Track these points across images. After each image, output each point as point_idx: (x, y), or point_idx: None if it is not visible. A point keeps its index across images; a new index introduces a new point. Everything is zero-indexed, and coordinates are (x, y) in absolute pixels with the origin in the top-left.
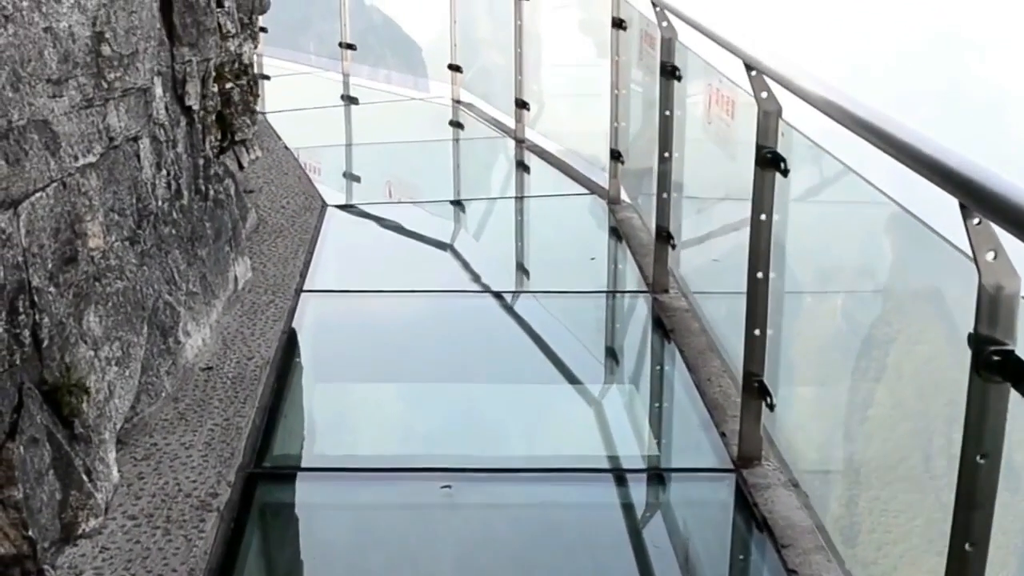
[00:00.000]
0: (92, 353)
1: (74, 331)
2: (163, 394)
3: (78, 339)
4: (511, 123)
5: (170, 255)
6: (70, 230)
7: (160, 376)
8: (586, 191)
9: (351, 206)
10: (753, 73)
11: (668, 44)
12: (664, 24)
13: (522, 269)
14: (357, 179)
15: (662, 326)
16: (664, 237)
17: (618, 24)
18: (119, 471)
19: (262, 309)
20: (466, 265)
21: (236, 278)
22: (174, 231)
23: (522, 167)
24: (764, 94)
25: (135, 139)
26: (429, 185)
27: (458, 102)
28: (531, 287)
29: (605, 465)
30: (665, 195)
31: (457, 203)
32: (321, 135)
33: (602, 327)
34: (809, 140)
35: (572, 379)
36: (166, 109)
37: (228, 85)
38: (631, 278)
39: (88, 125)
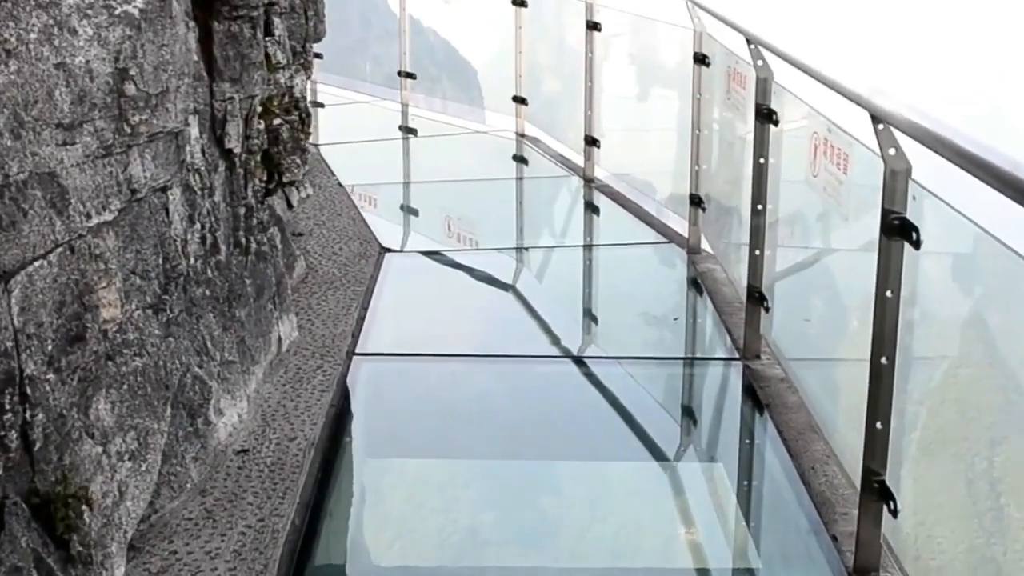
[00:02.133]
0: (100, 449)
1: (78, 424)
2: (188, 486)
3: (82, 434)
4: (578, 159)
5: (202, 320)
6: (77, 302)
7: (186, 464)
8: (663, 239)
9: (410, 252)
10: (881, 126)
11: (763, 85)
12: (759, 63)
13: (595, 330)
14: (416, 221)
15: (755, 399)
16: (756, 298)
17: (700, 60)
18: None
19: (308, 376)
20: (534, 324)
21: (280, 339)
22: (208, 292)
23: (592, 209)
24: (892, 150)
25: (163, 190)
26: (493, 228)
27: (522, 135)
28: (606, 351)
29: None
30: (758, 252)
31: (523, 250)
32: (378, 170)
33: (687, 400)
34: (948, 205)
35: (654, 462)
36: (203, 152)
37: (276, 121)
38: (717, 342)
39: (105, 177)
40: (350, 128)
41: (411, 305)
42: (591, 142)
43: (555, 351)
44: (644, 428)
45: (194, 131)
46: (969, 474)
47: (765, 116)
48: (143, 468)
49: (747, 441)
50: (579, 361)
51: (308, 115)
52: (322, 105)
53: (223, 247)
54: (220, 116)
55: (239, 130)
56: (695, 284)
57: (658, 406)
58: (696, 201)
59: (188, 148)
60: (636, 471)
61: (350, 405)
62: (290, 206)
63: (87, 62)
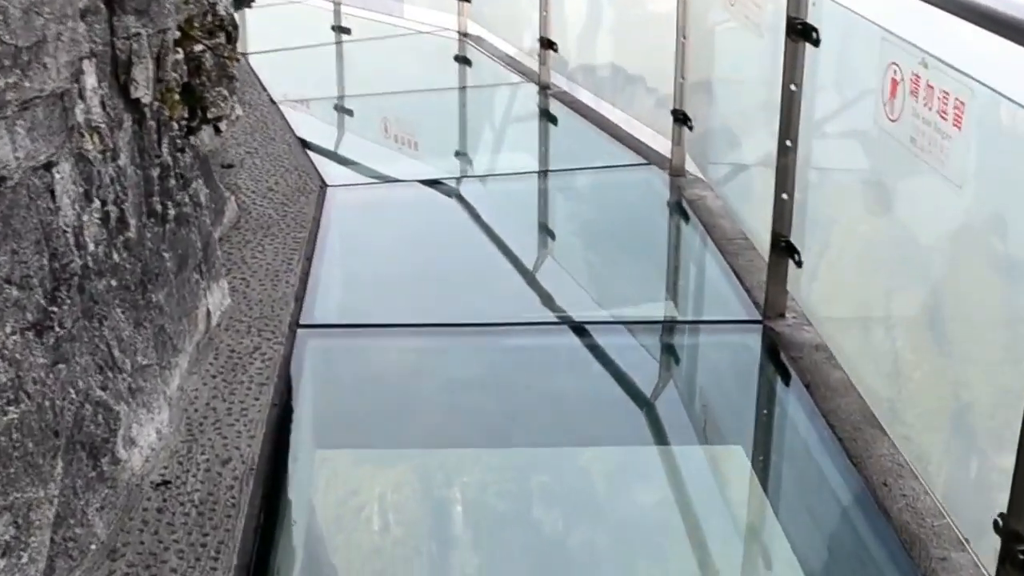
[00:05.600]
0: None
1: None
2: (92, 547)
3: None
4: (528, 61)
5: (107, 322)
6: None
7: (88, 520)
8: (641, 160)
9: (356, 186)
10: None
11: None
12: None
13: (581, 284)
14: (359, 144)
15: (786, 375)
16: (783, 248)
17: None
18: None
19: (243, 363)
20: (510, 279)
21: (209, 313)
22: (114, 282)
23: (550, 119)
24: None
25: (46, 167)
26: (446, 147)
27: (465, 35)
28: (592, 315)
29: None
30: (785, 195)
31: (484, 179)
32: (312, 80)
33: (698, 376)
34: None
35: (672, 465)
36: (102, 106)
37: (198, 48)
38: (726, 294)
39: None
40: (279, 32)
41: (362, 256)
42: (547, 44)
43: (542, 315)
44: (656, 423)
45: (90, 80)
46: None
47: (800, 33)
48: (24, 559)
49: (795, 448)
50: (570, 328)
51: (236, 27)
52: (249, 5)
53: (132, 221)
54: (124, 58)
55: (148, 74)
56: (684, 215)
57: (668, 387)
58: (681, 118)
59: (80, 107)
60: (649, 476)
61: (297, 403)
62: (218, 131)
63: None
